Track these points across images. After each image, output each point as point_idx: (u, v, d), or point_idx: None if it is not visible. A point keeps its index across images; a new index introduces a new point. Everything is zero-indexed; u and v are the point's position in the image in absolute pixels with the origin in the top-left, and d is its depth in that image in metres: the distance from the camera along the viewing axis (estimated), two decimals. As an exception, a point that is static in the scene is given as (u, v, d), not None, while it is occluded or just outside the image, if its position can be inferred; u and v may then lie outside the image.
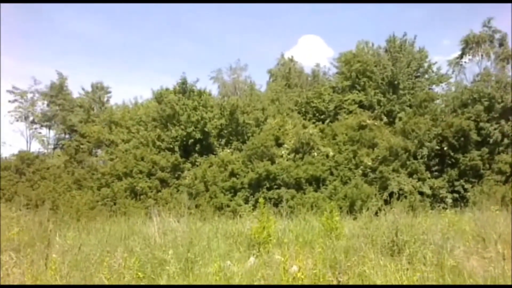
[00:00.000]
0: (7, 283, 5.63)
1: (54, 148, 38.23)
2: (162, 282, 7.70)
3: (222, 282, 8.05)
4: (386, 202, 15.39)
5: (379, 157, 24.80)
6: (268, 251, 10.26)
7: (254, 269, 8.94)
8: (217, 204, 23.52)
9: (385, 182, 23.79)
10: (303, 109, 31.18)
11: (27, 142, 38.55)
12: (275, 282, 8.07)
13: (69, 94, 38.49)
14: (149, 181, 25.57)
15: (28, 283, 5.79)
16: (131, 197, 24.97)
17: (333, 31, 68.98)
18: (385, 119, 29.46)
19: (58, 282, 6.45)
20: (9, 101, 37.47)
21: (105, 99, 39.66)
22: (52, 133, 39.10)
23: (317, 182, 24.59)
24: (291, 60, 41.31)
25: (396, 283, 7.48)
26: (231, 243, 11.30)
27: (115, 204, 24.36)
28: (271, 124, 27.85)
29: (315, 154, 25.76)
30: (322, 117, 30.53)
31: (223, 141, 28.58)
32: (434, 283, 7.41)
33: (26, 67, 65.24)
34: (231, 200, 23.95)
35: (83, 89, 39.32)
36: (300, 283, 7.61)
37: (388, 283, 7.51)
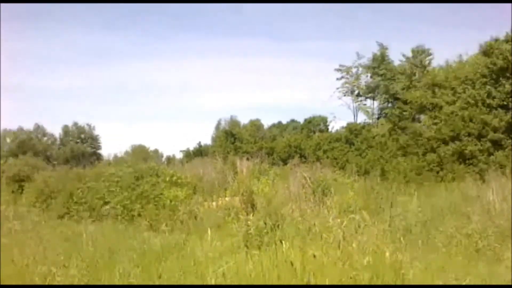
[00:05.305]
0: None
1: (378, 118, 40.28)
2: (507, 255, 6.76)
3: None
4: None
5: None
6: None
7: None
8: None
9: None
10: None
11: (353, 114, 42.22)
12: None
13: (391, 63, 39.58)
14: (479, 144, 23.87)
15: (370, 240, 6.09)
16: (459, 162, 23.92)
17: None
18: None
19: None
20: (337, 79, 41.67)
21: (427, 62, 38.58)
22: (375, 103, 41.44)
23: None
24: None
25: None
26: None
27: (442, 169, 23.95)
28: None
29: None
30: None
31: None
32: None
33: (351, 45, 70.81)
34: None
35: (403, 55, 39.41)
36: None
37: None
